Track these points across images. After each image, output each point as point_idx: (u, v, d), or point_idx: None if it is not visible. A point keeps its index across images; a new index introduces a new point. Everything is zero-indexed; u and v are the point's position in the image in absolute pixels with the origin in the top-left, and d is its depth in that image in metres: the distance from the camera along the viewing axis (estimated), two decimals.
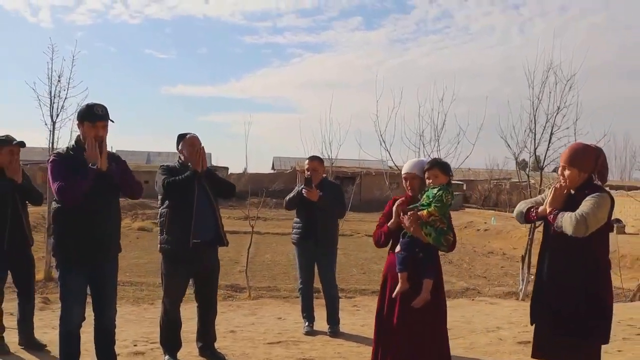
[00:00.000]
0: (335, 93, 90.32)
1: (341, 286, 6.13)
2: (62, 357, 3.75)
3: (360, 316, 6.61)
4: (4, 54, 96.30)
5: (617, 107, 72.03)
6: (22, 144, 4.67)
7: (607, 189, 3.41)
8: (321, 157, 6.04)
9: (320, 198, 5.46)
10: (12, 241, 4.57)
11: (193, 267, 4.44)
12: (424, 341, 3.53)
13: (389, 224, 3.73)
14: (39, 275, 10.05)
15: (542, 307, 3.43)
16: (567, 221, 3.15)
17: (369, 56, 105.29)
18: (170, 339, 4.50)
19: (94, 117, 3.71)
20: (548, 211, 3.32)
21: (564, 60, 9.16)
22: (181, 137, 4.55)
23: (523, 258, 9.65)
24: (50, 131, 10.14)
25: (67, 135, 10.73)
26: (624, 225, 20.67)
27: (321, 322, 5.73)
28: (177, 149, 4.58)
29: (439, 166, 3.68)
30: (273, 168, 51.47)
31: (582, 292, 3.22)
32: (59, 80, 9.99)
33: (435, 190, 3.58)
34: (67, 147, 3.86)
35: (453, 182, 3.94)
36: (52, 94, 10.00)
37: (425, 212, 3.52)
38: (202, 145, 4.48)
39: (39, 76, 10.25)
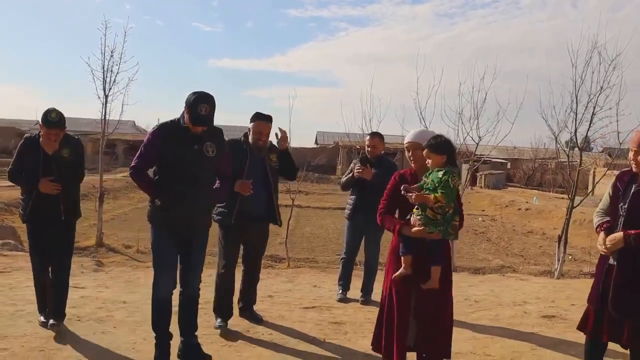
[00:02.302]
0: (380, 68, 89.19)
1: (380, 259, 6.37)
2: (154, 322, 3.99)
3: None
4: (56, 25, 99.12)
5: None
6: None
7: None
8: (380, 133, 6.08)
9: (374, 176, 5.64)
10: (36, 212, 4.40)
11: (242, 235, 4.80)
12: (428, 323, 3.36)
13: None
14: (90, 242, 10.72)
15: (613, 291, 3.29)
16: None
17: (415, 31, 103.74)
18: (223, 304, 4.78)
19: (198, 120, 3.70)
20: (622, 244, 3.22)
21: (610, 39, 8.98)
22: (257, 117, 4.81)
23: (560, 237, 9.68)
24: (103, 104, 10.69)
25: (118, 107, 11.31)
26: None
27: (354, 291, 6.03)
28: (249, 123, 4.84)
29: (431, 148, 3.35)
30: (316, 143, 51.80)
31: None
32: (111, 55, 10.51)
33: (440, 174, 3.29)
34: (174, 120, 3.87)
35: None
36: (105, 69, 10.53)
37: (432, 196, 3.25)
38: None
39: (92, 50, 10.80)
